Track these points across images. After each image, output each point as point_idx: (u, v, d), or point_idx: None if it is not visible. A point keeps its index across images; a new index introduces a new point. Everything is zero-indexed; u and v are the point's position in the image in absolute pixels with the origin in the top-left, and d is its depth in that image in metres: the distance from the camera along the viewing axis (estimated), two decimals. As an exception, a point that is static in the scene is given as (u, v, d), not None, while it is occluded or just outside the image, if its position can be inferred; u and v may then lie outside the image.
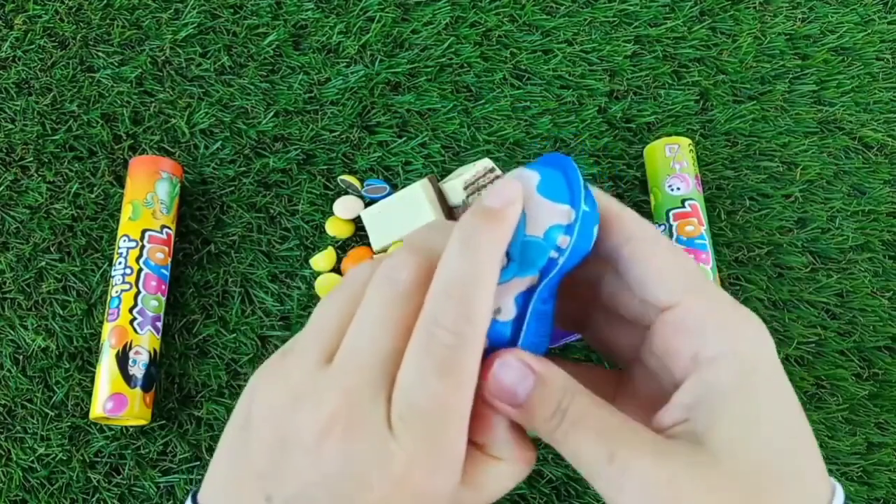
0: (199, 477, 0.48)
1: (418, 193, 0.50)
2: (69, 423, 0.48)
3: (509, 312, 0.25)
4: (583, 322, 0.29)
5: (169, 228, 0.51)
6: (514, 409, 0.24)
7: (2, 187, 0.53)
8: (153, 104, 0.56)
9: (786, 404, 0.23)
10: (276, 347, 0.45)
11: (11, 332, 0.50)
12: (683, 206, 0.52)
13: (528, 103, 0.58)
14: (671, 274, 0.24)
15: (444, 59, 0.58)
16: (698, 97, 0.59)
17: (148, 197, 0.50)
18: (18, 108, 0.55)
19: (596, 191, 0.25)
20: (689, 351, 0.23)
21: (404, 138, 0.56)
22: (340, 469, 0.21)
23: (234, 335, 0.51)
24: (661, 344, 0.24)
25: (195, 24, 0.58)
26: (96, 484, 0.47)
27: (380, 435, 0.21)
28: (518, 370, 0.24)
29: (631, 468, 0.22)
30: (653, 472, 0.21)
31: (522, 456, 0.25)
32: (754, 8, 0.63)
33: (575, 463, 0.24)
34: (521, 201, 0.24)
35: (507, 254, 0.25)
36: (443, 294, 0.22)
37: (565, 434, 0.23)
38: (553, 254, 0.24)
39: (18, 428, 0.48)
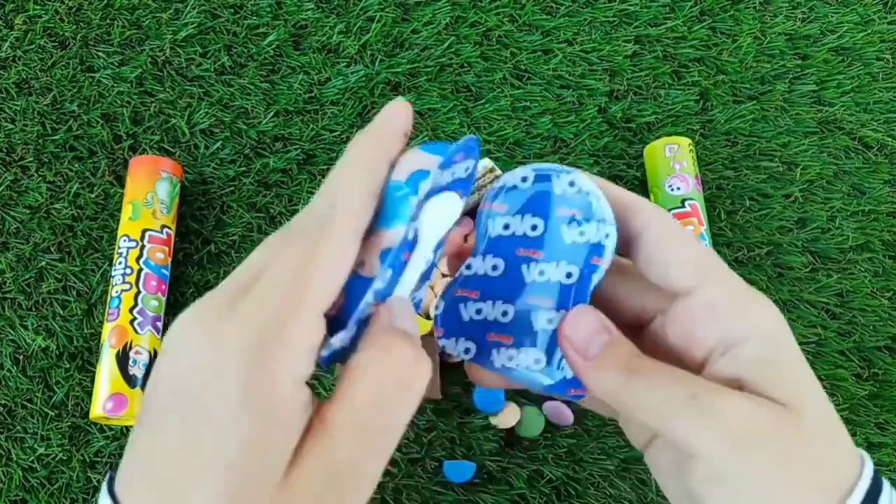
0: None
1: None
2: (69, 423, 0.48)
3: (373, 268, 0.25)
4: None
5: (169, 228, 0.51)
6: (582, 360, 0.25)
7: (2, 187, 0.53)
8: (153, 104, 0.56)
9: (808, 369, 0.24)
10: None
11: (11, 332, 0.50)
12: (683, 206, 0.52)
13: (528, 103, 0.58)
14: (692, 260, 0.25)
15: (444, 59, 0.58)
16: (698, 97, 0.59)
17: (148, 197, 0.50)
18: (18, 108, 0.55)
19: (611, 186, 0.27)
20: (716, 335, 0.24)
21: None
22: (188, 362, 0.21)
23: (234, 335, 0.51)
24: (681, 330, 0.25)
25: (195, 24, 0.58)
26: (96, 484, 0.47)
27: (217, 319, 0.21)
28: (596, 324, 0.26)
29: (717, 405, 0.23)
30: (741, 409, 0.23)
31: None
32: (754, 8, 0.63)
33: (645, 413, 0.24)
34: (402, 118, 0.26)
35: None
36: (326, 182, 0.24)
37: (635, 390, 0.24)
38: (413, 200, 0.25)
39: (18, 428, 0.48)
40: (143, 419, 0.22)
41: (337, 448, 0.21)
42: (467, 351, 0.29)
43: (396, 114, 0.25)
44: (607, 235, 0.27)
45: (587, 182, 0.26)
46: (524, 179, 0.27)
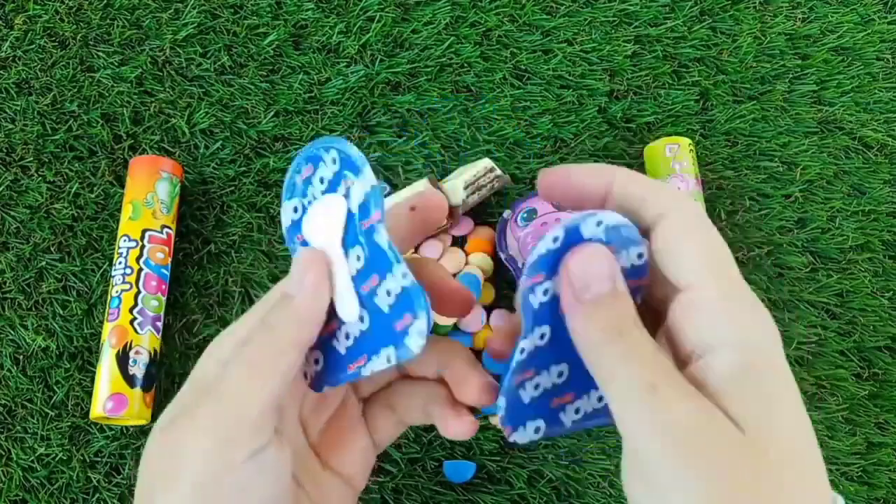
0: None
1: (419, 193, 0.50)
2: (69, 423, 0.48)
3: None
4: None
5: (169, 228, 0.51)
6: (573, 299, 0.24)
7: (2, 187, 0.53)
8: (153, 104, 0.56)
9: (790, 392, 0.23)
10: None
11: (11, 332, 0.50)
12: (683, 206, 0.52)
13: (528, 103, 0.58)
14: (694, 256, 0.24)
15: (444, 59, 0.58)
16: (698, 97, 0.59)
17: (148, 197, 0.50)
18: (18, 108, 0.55)
19: (630, 181, 0.26)
20: (699, 334, 0.23)
21: (404, 138, 0.56)
22: (150, 470, 0.27)
23: (234, 335, 0.51)
24: (671, 326, 0.24)
25: (195, 24, 0.58)
26: (96, 484, 0.47)
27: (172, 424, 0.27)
28: (605, 269, 0.24)
29: (670, 403, 0.22)
30: (689, 415, 0.21)
31: None
32: (754, 8, 0.63)
33: (605, 381, 0.24)
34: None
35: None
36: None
37: (608, 356, 0.23)
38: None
39: (18, 428, 0.48)
40: None
41: None
42: (537, 430, 0.28)
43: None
44: (640, 255, 0.26)
45: (612, 217, 0.25)
46: (555, 240, 0.26)
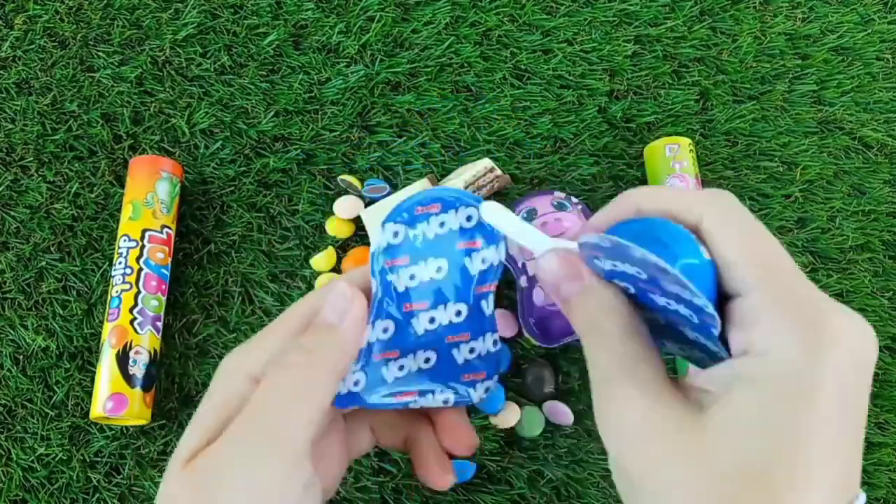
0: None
1: (418, 193, 0.50)
2: (69, 423, 0.48)
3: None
4: None
5: (169, 228, 0.51)
6: (556, 297, 0.27)
7: (2, 187, 0.53)
8: (153, 104, 0.56)
9: (810, 418, 0.20)
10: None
11: (11, 331, 0.50)
12: (683, 206, 0.52)
13: (528, 103, 0.58)
14: (743, 263, 0.23)
15: (444, 59, 0.58)
16: (698, 97, 0.59)
17: (148, 197, 0.50)
18: (18, 108, 0.55)
19: (656, 196, 0.27)
20: (742, 344, 0.23)
21: (404, 138, 0.56)
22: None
23: (235, 335, 0.51)
24: (735, 320, 0.24)
25: (195, 24, 0.58)
26: (96, 484, 0.47)
27: None
28: (566, 270, 0.26)
29: (616, 396, 0.24)
30: (631, 406, 0.23)
31: None
32: (754, 8, 0.63)
33: (588, 364, 0.25)
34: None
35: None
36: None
37: (590, 344, 0.25)
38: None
39: (18, 428, 0.48)
40: None
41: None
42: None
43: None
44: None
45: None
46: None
